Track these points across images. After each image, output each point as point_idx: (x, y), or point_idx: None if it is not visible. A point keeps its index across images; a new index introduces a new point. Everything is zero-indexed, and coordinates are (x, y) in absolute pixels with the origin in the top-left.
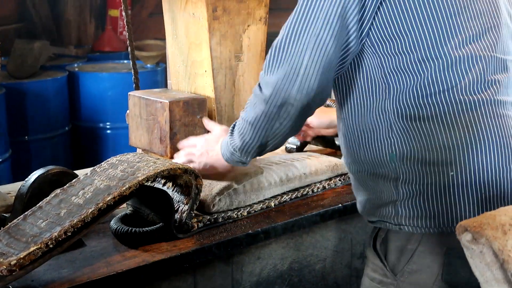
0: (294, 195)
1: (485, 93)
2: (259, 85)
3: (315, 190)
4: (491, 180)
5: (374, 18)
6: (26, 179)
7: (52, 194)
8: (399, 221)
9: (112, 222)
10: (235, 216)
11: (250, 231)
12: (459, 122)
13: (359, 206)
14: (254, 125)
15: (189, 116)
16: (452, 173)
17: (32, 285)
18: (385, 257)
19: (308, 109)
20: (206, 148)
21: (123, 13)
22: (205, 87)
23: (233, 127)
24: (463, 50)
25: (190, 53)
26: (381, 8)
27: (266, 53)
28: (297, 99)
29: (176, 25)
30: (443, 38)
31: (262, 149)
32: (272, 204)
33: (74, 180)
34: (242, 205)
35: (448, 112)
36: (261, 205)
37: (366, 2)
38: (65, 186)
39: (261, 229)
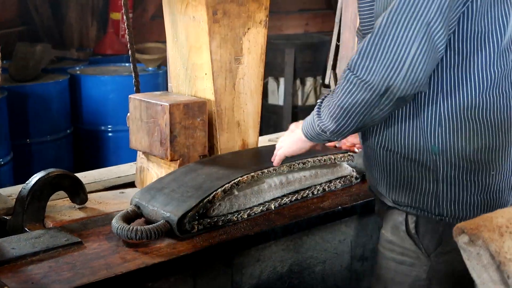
0: (294, 198)
1: None
2: (352, 70)
3: (315, 193)
4: None
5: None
6: (27, 182)
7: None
8: (441, 213)
9: (113, 221)
10: (235, 219)
11: (250, 233)
12: (505, 124)
13: (380, 187)
14: (351, 111)
15: (189, 118)
16: (493, 173)
17: None
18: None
19: (409, 97)
20: (288, 134)
21: (124, 17)
22: (205, 90)
23: (320, 108)
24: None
25: (191, 56)
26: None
27: (266, 56)
28: (401, 88)
29: (176, 28)
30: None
31: (356, 132)
32: (272, 207)
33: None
34: (242, 208)
35: (500, 113)
36: (261, 207)
37: None
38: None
39: (261, 231)
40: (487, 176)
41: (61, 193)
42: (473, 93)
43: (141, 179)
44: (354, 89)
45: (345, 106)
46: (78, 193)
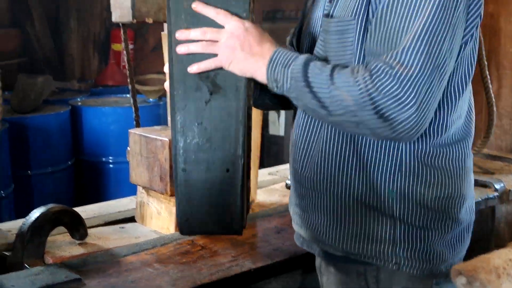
0: None
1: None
2: (378, 94)
3: None
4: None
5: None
6: (26, 218)
7: None
8: (398, 261)
9: None
10: None
11: (249, 269)
12: (462, 172)
13: (326, 236)
14: (330, 111)
15: None
16: (449, 222)
17: None
18: None
19: None
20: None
21: (124, 52)
22: None
23: (308, 70)
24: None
25: None
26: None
27: None
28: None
29: None
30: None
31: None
32: None
33: None
34: None
35: (459, 160)
36: None
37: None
38: None
39: (260, 267)
40: (444, 224)
41: (61, 227)
42: (435, 142)
43: (141, 214)
44: (357, 109)
45: (329, 106)
46: (78, 229)
